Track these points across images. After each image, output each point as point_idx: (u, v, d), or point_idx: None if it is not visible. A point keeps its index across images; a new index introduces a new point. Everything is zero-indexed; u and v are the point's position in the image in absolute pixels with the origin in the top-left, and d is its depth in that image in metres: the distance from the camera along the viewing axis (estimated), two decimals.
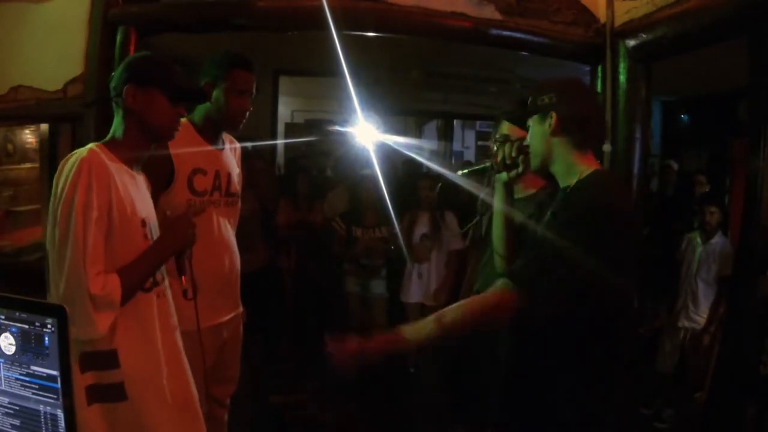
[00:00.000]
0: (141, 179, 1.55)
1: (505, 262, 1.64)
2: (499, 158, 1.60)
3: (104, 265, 1.34)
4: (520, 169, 1.56)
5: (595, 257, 1.23)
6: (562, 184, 1.45)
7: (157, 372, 1.46)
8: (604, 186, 1.38)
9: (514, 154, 1.56)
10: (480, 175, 2.02)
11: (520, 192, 1.89)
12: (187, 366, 1.60)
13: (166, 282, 1.58)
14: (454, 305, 1.41)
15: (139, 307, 1.44)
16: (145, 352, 1.44)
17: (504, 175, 1.60)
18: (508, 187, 1.64)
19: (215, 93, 1.90)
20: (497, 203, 1.65)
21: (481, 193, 2.18)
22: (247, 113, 1.96)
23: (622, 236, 1.31)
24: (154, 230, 1.52)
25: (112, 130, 1.51)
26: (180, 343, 1.59)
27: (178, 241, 1.54)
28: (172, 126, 1.52)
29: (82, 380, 1.33)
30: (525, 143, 1.52)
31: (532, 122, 1.47)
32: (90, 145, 1.43)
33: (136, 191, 1.48)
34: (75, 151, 1.40)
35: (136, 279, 1.41)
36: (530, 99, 1.46)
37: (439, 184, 2.25)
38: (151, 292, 1.49)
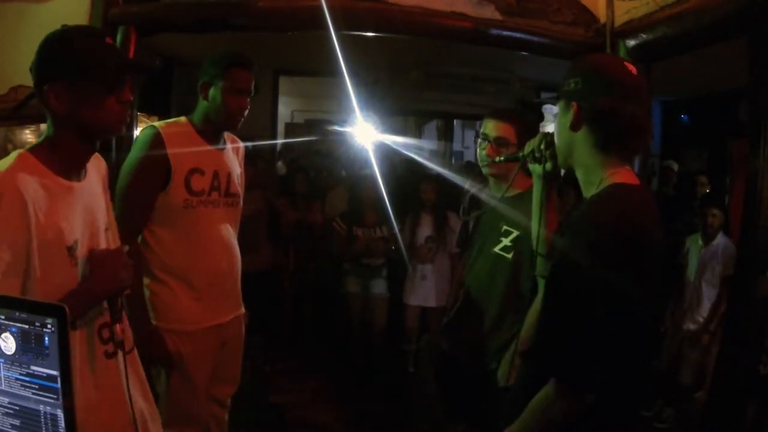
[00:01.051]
0: (84, 186, 1.28)
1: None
2: (527, 151, 1.45)
3: None
4: (549, 164, 1.40)
5: (613, 288, 1.05)
6: (584, 194, 1.25)
7: (87, 406, 1.22)
8: (612, 201, 1.14)
9: (543, 147, 1.40)
10: (476, 174, 2.01)
11: (509, 191, 1.86)
12: (125, 398, 1.33)
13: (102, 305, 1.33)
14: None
15: None
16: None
17: (538, 168, 1.45)
18: (548, 181, 1.46)
19: (213, 92, 1.90)
20: (534, 197, 1.52)
21: (473, 191, 2.18)
22: (246, 112, 1.95)
23: (638, 261, 1.09)
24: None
25: (45, 131, 1.24)
26: (121, 373, 1.32)
27: (106, 283, 1.25)
28: (116, 119, 1.24)
29: None
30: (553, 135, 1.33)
31: (559, 109, 1.25)
32: (10, 158, 1.16)
33: (68, 208, 1.22)
34: None
35: None
36: (562, 80, 1.25)
37: (469, 191, 2.22)
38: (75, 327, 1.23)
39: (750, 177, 2.16)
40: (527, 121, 2.02)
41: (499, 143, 1.93)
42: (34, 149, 1.20)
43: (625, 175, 1.19)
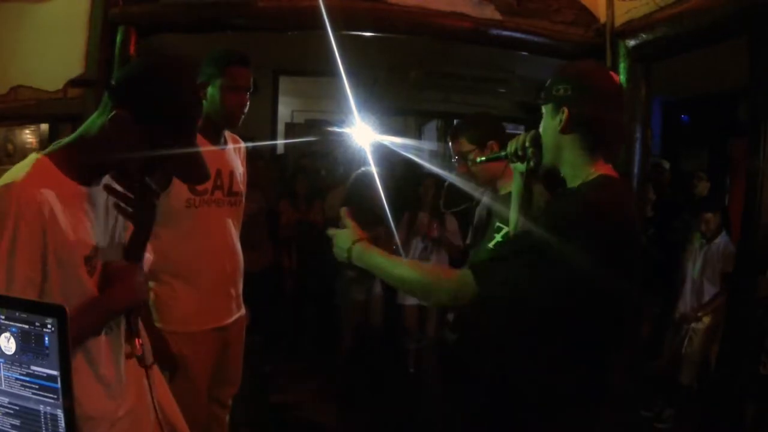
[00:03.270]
0: (99, 189, 1.22)
1: None
2: (512, 149, 1.49)
3: None
4: (531, 162, 1.45)
5: (581, 256, 1.13)
6: (568, 185, 1.35)
7: (112, 413, 1.24)
8: (603, 187, 1.25)
9: (527, 144, 1.44)
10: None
11: (502, 188, 1.91)
12: (148, 399, 1.34)
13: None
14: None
15: (89, 345, 1.19)
16: (96, 392, 1.21)
17: (519, 166, 1.51)
18: (526, 179, 1.53)
19: (211, 91, 1.89)
20: (513, 192, 1.58)
21: (476, 192, 2.21)
22: (246, 109, 1.94)
23: (616, 240, 1.19)
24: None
25: (82, 129, 1.19)
26: (142, 376, 1.32)
27: (127, 297, 1.23)
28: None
29: None
30: (539, 135, 1.39)
31: (545, 112, 1.34)
32: (25, 165, 1.12)
33: (85, 215, 1.18)
34: (3, 178, 1.09)
35: (77, 337, 1.10)
36: (547, 84, 1.33)
37: (446, 185, 2.26)
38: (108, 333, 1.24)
39: (750, 177, 2.16)
40: (474, 121, 2.10)
41: (462, 158, 2.02)
42: (53, 154, 1.15)
43: (610, 171, 1.30)
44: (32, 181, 1.08)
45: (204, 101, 1.90)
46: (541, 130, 1.37)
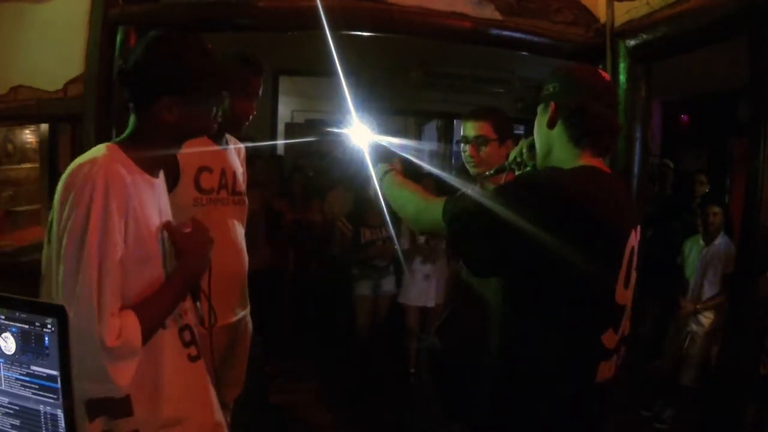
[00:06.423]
0: (160, 183, 1.32)
1: None
2: (511, 158, 1.55)
3: (117, 305, 1.09)
4: (529, 167, 1.48)
5: (537, 229, 1.13)
6: None
7: (175, 416, 1.24)
8: (577, 172, 1.25)
9: (524, 151, 1.49)
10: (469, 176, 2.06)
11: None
12: (213, 398, 1.39)
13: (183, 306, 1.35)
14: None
15: (154, 345, 1.19)
16: (161, 396, 1.21)
17: (519, 173, 1.54)
18: None
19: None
20: None
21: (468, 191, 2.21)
22: (251, 117, 1.96)
23: (575, 223, 1.15)
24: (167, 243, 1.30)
25: (131, 127, 1.25)
26: (206, 374, 1.37)
27: (199, 263, 1.29)
28: (212, 122, 1.30)
29: (92, 429, 1.09)
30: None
31: (538, 113, 1.37)
32: (101, 148, 1.17)
33: (153, 204, 1.24)
34: (83, 157, 1.14)
35: (157, 317, 1.17)
36: (541, 87, 1.37)
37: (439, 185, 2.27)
38: (167, 327, 1.26)
39: (750, 177, 2.16)
40: (502, 115, 2.09)
41: (478, 142, 2.00)
42: (122, 143, 1.22)
43: (596, 163, 1.29)
44: (113, 160, 1.14)
45: None
46: (534, 132, 1.39)
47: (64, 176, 1.13)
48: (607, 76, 1.35)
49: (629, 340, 1.38)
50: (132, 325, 1.09)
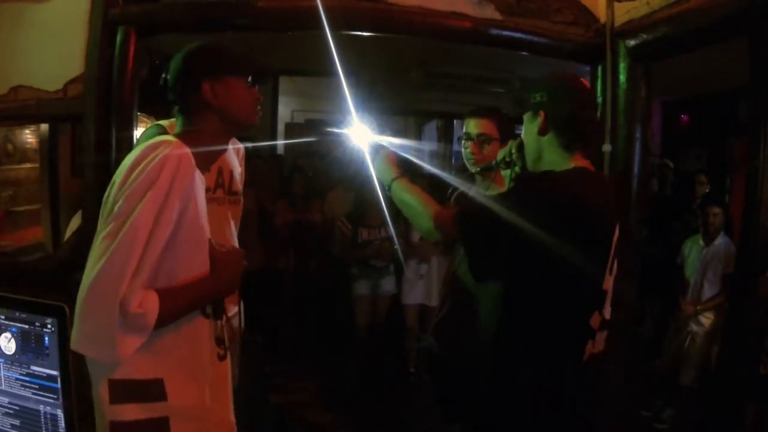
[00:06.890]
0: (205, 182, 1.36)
1: None
2: (500, 157, 1.63)
3: (148, 280, 1.11)
4: (518, 167, 1.57)
5: (534, 233, 1.23)
6: None
7: (204, 409, 1.25)
8: (570, 174, 1.36)
9: (513, 151, 1.58)
10: (468, 174, 2.07)
11: (490, 189, 1.93)
12: (231, 399, 1.41)
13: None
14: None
15: (196, 332, 1.23)
16: (195, 386, 1.22)
17: (509, 172, 1.63)
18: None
19: None
20: None
21: (468, 190, 2.21)
22: None
23: (568, 221, 1.26)
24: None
25: (180, 125, 1.34)
26: (229, 375, 1.39)
27: (230, 279, 1.32)
28: (254, 111, 1.39)
29: (111, 412, 1.05)
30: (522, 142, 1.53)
31: (526, 119, 1.48)
32: (169, 138, 1.23)
33: (203, 199, 1.28)
34: (154, 140, 1.20)
35: (175, 311, 1.17)
36: (525, 95, 1.48)
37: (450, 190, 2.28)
38: (210, 317, 1.29)
39: (750, 177, 2.16)
40: (505, 115, 2.12)
41: (481, 140, 2.02)
42: (181, 137, 1.26)
43: (586, 164, 1.41)
44: (187, 153, 1.20)
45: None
46: (523, 136, 1.51)
47: (132, 154, 1.17)
48: (587, 83, 1.49)
49: (613, 324, 1.49)
50: (152, 302, 1.10)
